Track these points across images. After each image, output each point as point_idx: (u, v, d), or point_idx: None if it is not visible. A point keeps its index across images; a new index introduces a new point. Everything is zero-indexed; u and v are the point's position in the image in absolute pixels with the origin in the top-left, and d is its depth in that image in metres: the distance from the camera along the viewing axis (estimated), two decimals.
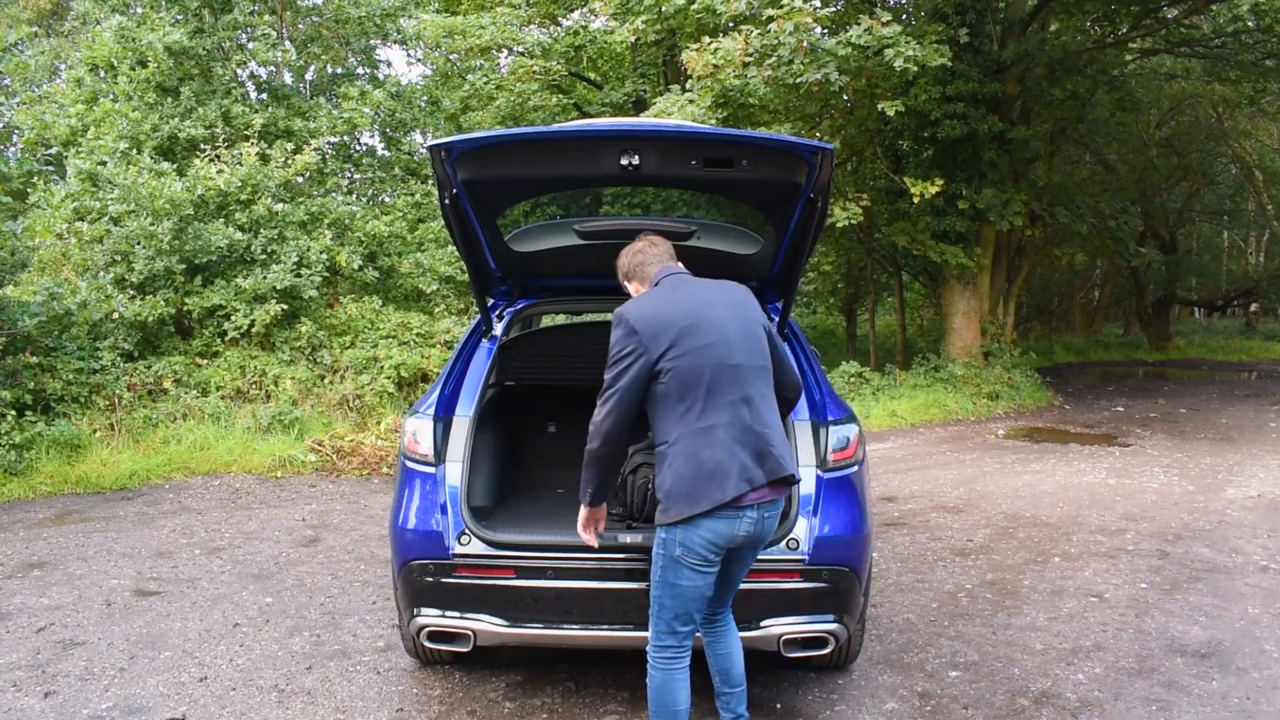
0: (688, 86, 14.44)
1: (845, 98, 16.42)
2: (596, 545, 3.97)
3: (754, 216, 4.88)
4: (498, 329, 5.23)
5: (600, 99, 19.98)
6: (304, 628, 5.72)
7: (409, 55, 26.38)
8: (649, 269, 3.95)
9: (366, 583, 6.63)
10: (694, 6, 13.85)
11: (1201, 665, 5.17)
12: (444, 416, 4.65)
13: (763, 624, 4.23)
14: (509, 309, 5.43)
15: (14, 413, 9.88)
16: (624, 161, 4.02)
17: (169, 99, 15.28)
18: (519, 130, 4.68)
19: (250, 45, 16.36)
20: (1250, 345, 34.20)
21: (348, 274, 14.19)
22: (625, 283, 4.03)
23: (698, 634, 3.89)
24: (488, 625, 4.28)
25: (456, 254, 14.49)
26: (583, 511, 3.88)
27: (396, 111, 17.81)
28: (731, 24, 14.37)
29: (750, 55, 13.01)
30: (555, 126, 4.40)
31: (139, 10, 16.13)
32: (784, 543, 4.24)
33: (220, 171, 13.24)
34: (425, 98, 19.39)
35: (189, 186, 12.78)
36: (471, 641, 4.30)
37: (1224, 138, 29.36)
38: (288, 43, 17.15)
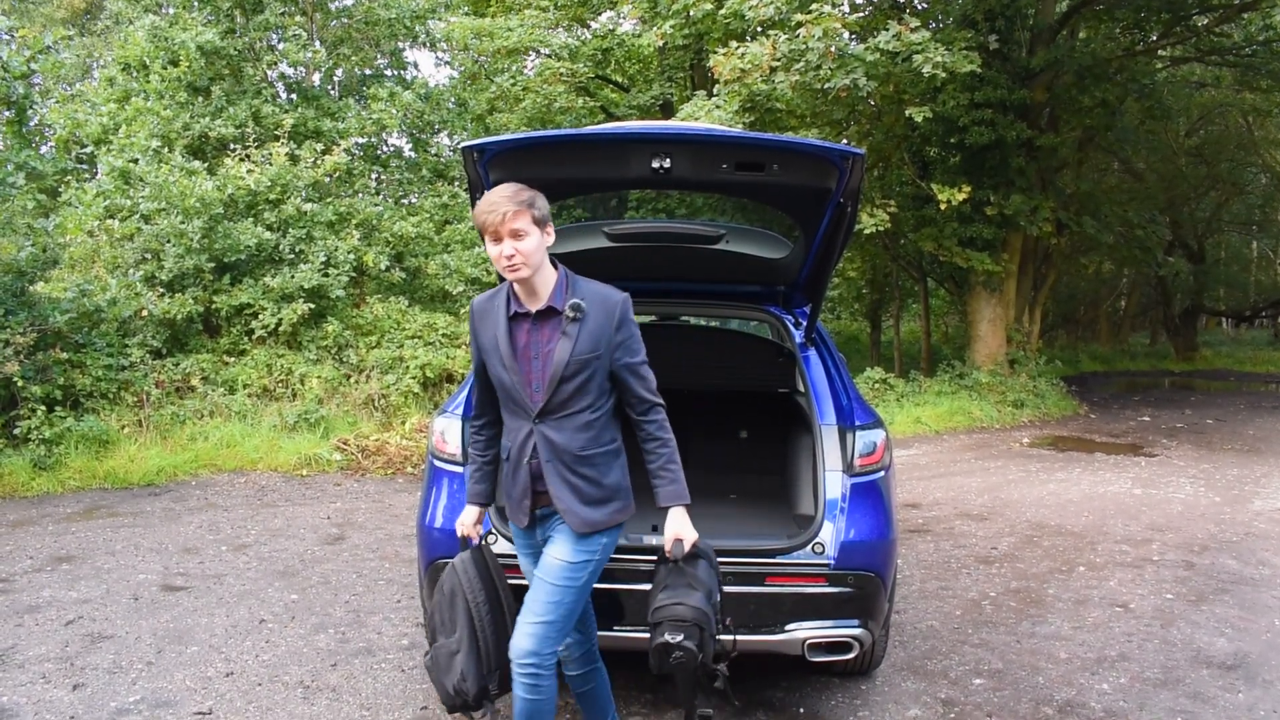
0: (714, 91, 14.45)
1: (873, 103, 16.38)
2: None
3: (782, 220, 4.88)
4: None
5: (627, 102, 20.01)
6: (329, 625, 5.76)
7: (437, 57, 26.48)
8: None
9: (391, 581, 6.66)
10: (722, 11, 13.85)
11: (1227, 677, 5.13)
12: None
13: (787, 628, 4.23)
14: None
15: (44, 408, 9.99)
16: (655, 164, 4.03)
17: (200, 98, 15.41)
18: (551, 132, 4.71)
19: (281, 46, 16.48)
20: (1278, 357, 33.84)
21: (374, 274, 14.27)
22: (548, 224, 3.46)
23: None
24: None
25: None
26: (685, 513, 3.56)
27: (425, 113, 17.89)
28: (759, 29, 14.36)
29: (778, 60, 12.99)
30: (587, 129, 4.41)
31: (171, 10, 16.27)
32: (810, 546, 4.24)
33: (250, 171, 13.34)
34: (453, 99, 19.48)
35: (219, 186, 12.88)
36: None
37: (1254, 147, 29.08)
38: (318, 44, 17.26)
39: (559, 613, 3.43)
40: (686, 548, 3.50)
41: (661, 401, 3.54)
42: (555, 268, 3.52)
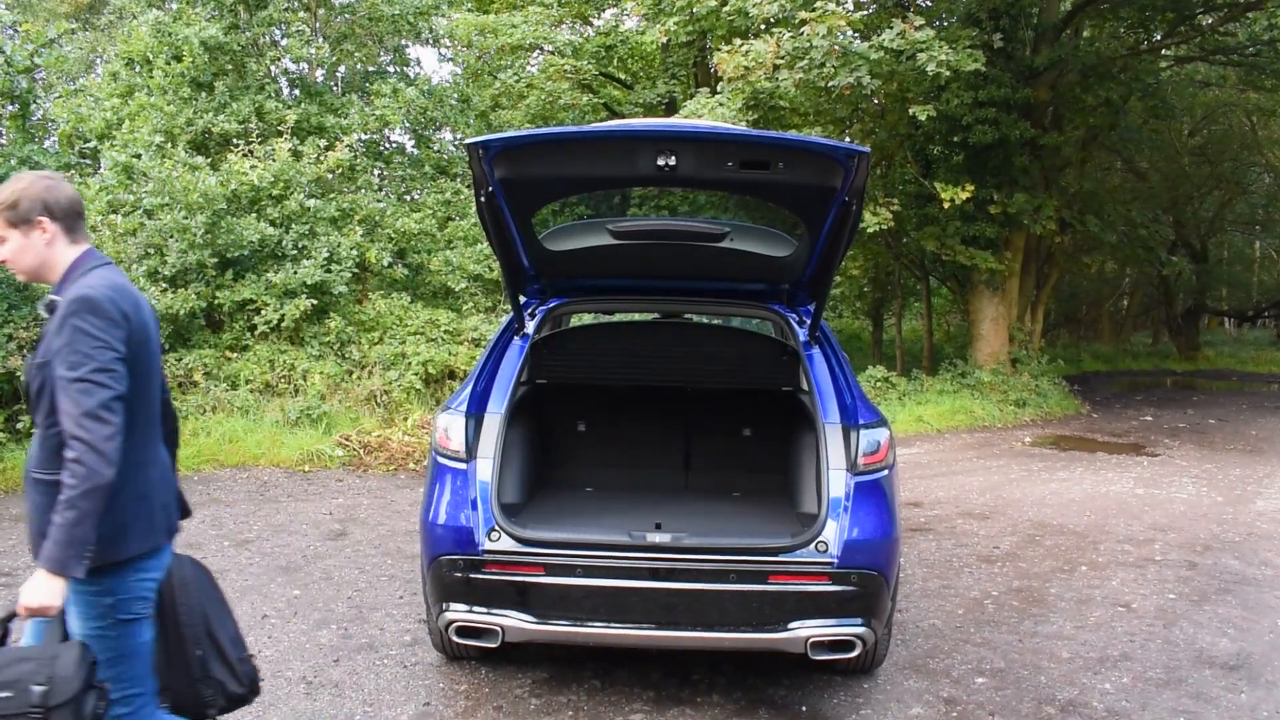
0: (718, 89, 14.44)
1: (876, 102, 16.37)
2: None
3: (786, 219, 4.88)
4: (529, 327, 5.25)
5: (631, 99, 20.00)
6: (331, 621, 5.76)
7: (440, 54, 26.46)
8: (83, 222, 3.10)
9: (393, 577, 6.66)
10: (726, 8, 13.85)
11: (1230, 677, 5.13)
12: (476, 413, 4.67)
13: (790, 626, 4.23)
14: (541, 307, 5.45)
15: None
16: (660, 162, 4.03)
17: (203, 94, 15.40)
18: (556, 129, 4.72)
19: (284, 42, 16.47)
20: None
21: (377, 270, 14.26)
22: (49, 220, 2.96)
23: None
24: (515, 621, 4.29)
25: (486, 252, 14.56)
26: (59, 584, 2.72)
27: (428, 109, 17.88)
28: (763, 26, 14.36)
29: (781, 58, 12.99)
30: (592, 126, 4.42)
31: (175, 5, 16.26)
32: (813, 545, 4.24)
33: (253, 167, 13.33)
34: (456, 96, 19.47)
35: (222, 181, 12.88)
36: (499, 637, 4.31)
37: (1258, 146, 29.04)
38: (321, 39, 17.25)
39: (102, 657, 2.87)
40: (20, 616, 2.78)
41: (80, 436, 2.71)
42: (77, 262, 3.00)
